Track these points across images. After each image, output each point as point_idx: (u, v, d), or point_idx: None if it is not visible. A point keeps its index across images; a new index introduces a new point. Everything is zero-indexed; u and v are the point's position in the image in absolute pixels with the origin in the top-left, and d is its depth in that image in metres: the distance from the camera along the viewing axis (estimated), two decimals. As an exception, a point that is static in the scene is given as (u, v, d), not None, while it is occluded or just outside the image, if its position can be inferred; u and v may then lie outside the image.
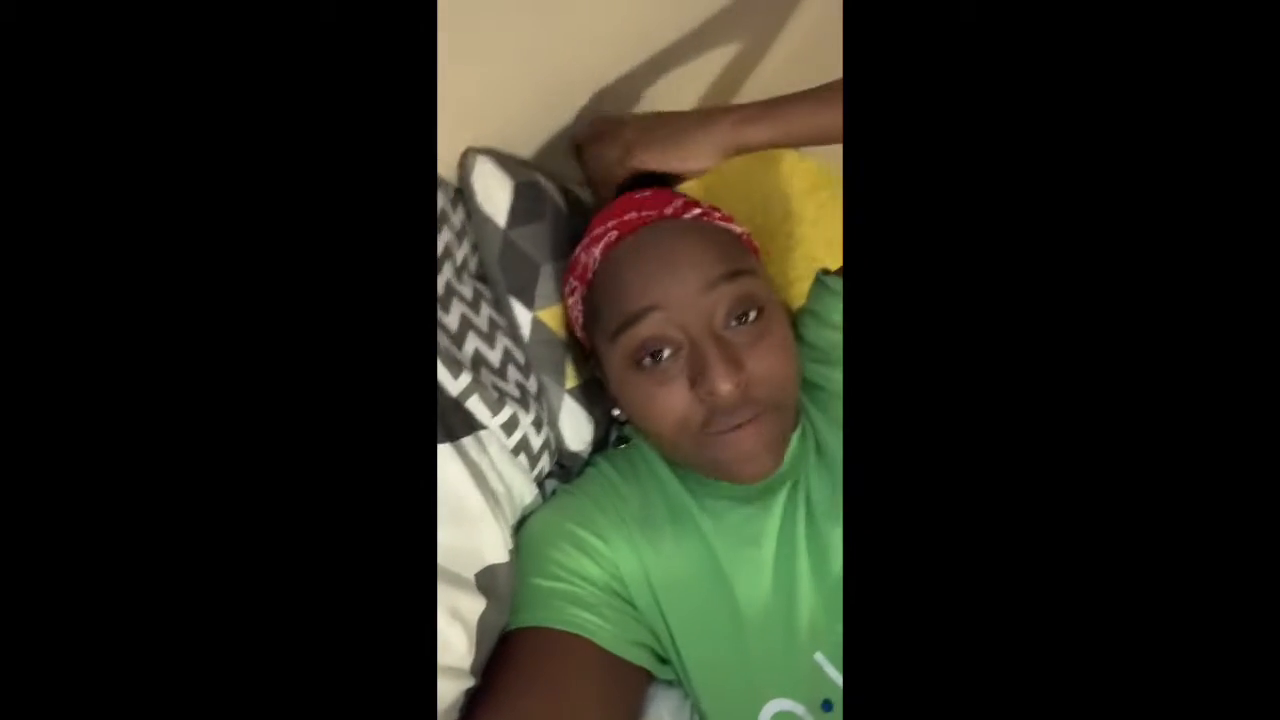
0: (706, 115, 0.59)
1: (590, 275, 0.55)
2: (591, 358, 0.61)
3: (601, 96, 0.72)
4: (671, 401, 0.51)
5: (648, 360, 0.51)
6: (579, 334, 0.60)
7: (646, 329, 0.50)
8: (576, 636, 0.50)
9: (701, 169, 0.58)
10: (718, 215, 0.56)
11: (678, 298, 0.50)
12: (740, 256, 0.53)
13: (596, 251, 0.55)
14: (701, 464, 0.53)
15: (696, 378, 0.50)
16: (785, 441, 0.54)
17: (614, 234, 0.54)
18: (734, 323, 0.51)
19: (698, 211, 0.55)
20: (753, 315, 0.51)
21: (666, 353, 0.51)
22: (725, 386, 0.48)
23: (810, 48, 0.90)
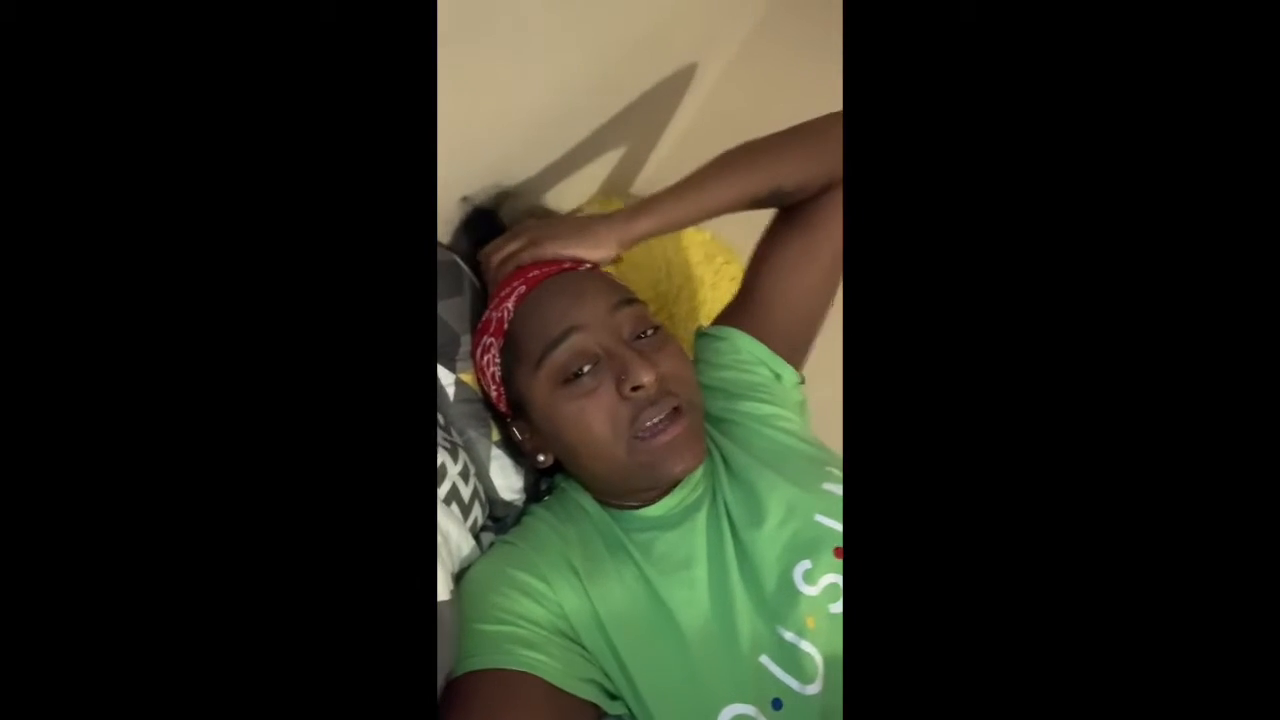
0: (602, 214, 0.66)
1: (506, 325, 0.61)
2: (507, 420, 0.64)
3: (515, 190, 0.78)
4: (601, 407, 0.56)
5: (572, 377, 0.56)
6: (494, 391, 0.63)
7: (569, 347, 0.56)
8: (525, 675, 0.50)
9: (606, 257, 0.64)
10: (603, 273, 0.65)
11: (592, 318, 0.57)
12: (632, 293, 0.62)
13: (509, 305, 0.61)
14: (634, 470, 0.56)
15: (621, 377, 0.55)
16: (703, 439, 0.59)
17: (523, 288, 0.61)
18: (638, 338, 0.59)
19: (589, 266, 0.64)
20: (651, 332, 0.60)
21: (588, 368, 0.56)
22: (647, 377, 0.54)
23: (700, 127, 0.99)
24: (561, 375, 0.57)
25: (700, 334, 0.74)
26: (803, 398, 0.71)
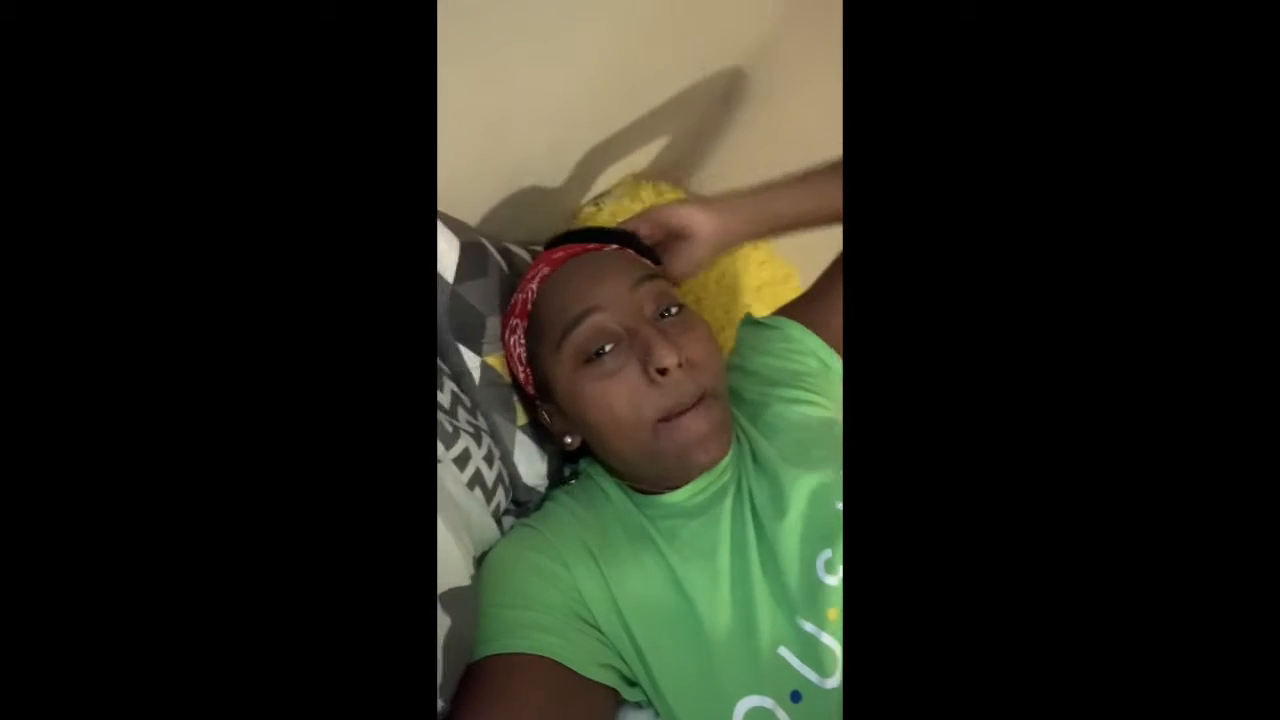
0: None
1: (530, 307, 0.61)
2: (534, 402, 0.64)
3: (542, 173, 0.78)
4: (625, 389, 0.55)
5: (594, 357, 0.55)
6: (521, 374, 0.63)
7: (588, 327, 0.56)
8: (544, 660, 0.50)
9: (700, 229, 0.64)
10: (627, 251, 0.65)
11: (612, 297, 0.56)
12: (655, 269, 0.62)
13: (533, 286, 0.61)
14: (659, 455, 0.56)
15: (644, 358, 0.54)
16: (729, 428, 0.58)
17: (546, 269, 0.61)
18: (662, 317, 0.57)
19: (615, 246, 0.64)
20: (676, 310, 0.58)
21: (609, 347, 0.55)
22: (671, 360, 0.53)
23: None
24: (583, 356, 0.56)
25: (750, 321, 0.74)
26: None
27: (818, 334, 0.68)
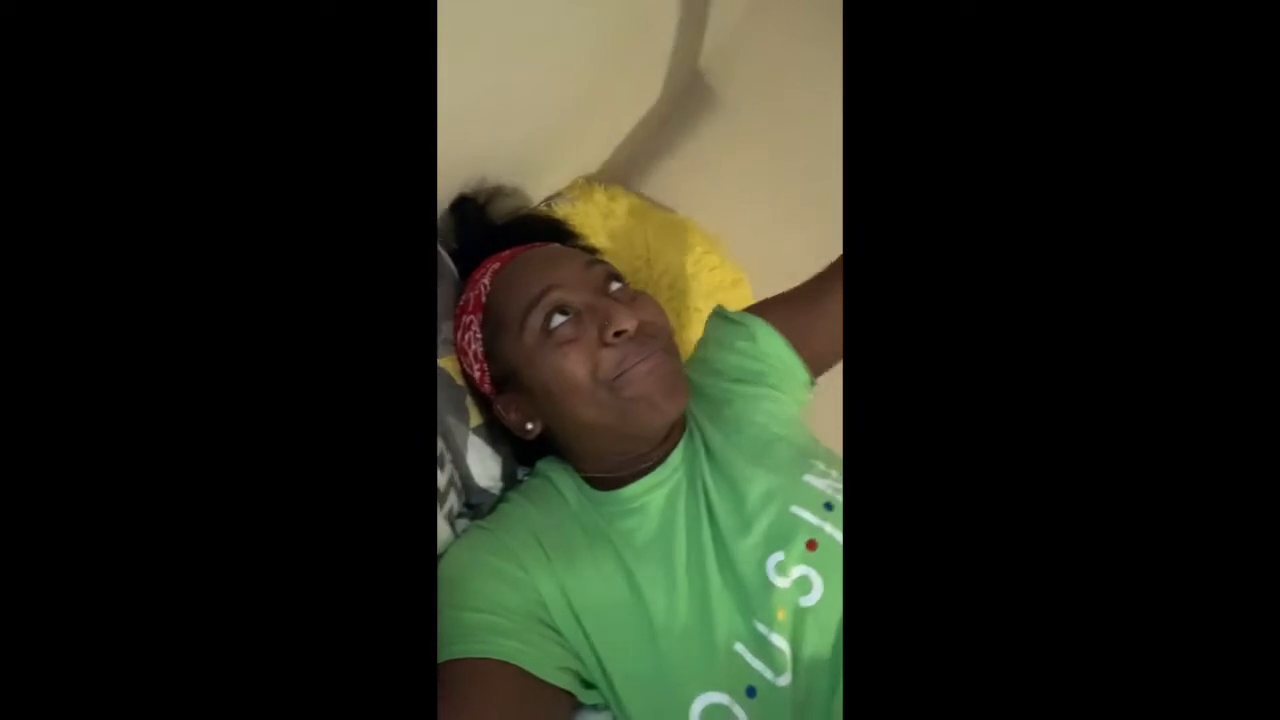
0: None
1: (484, 299, 0.62)
2: (489, 399, 0.63)
3: (497, 174, 0.78)
4: (582, 354, 0.56)
5: (554, 322, 0.57)
6: (477, 370, 0.63)
7: (549, 302, 0.58)
8: (503, 664, 0.50)
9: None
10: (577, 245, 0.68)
11: (568, 276, 0.59)
12: (600, 256, 0.66)
13: (485, 280, 0.62)
14: (622, 411, 0.57)
15: (603, 326, 0.56)
16: (685, 385, 0.60)
17: (497, 264, 0.63)
18: (613, 291, 0.60)
19: (555, 245, 0.67)
20: (625, 285, 0.62)
21: (569, 316, 0.58)
22: (629, 323, 0.56)
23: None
24: (544, 329, 0.57)
25: (719, 315, 0.74)
26: (807, 399, 0.72)
27: (792, 341, 0.69)
